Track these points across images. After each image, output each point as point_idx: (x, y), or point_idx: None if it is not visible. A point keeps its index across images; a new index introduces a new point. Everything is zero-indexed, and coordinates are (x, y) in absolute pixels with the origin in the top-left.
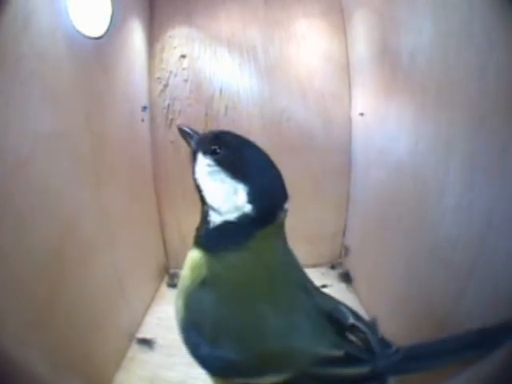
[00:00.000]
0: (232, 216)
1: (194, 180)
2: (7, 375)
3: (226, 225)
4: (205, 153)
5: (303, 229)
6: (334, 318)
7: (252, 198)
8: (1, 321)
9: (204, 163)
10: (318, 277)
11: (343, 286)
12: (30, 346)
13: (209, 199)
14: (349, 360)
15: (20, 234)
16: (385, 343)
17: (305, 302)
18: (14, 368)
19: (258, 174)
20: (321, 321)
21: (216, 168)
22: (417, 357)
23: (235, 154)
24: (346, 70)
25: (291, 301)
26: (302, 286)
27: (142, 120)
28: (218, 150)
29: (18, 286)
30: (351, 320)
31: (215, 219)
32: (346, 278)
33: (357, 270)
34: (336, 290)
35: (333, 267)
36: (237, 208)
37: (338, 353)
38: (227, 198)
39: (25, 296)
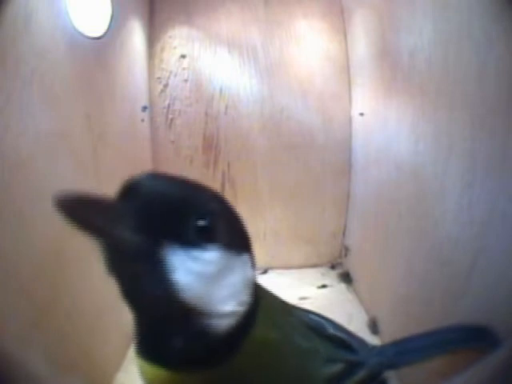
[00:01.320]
0: (251, 301)
1: (174, 296)
2: (7, 375)
3: (247, 315)
4: (187, 242)
5: (303, 229)
6: (315, 330)
7: (252, 260)
8: (1, 321)
9: (195, 260)
10: (317, 277)
11: (343, 286)
12: (31, 346)
13: (215, 306)
14: (347, 369)
15: (20, 233)
16: (363, 343)
17: (297, 324)
18: (14, 368)
19: (243, 227)
20: (313, 337)
21: (223, 254)
22: (400, 352)
23: (226, 214)
24: (345, 70)
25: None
26: (286, 309)
27: (142, 120)
28: (206, 224)
29: (19, 286)
30: (331, 330)
31: (222, 324)
32: (346, 278)
33: (357, 270)
34: (336, 290)
35: (333, 267)
36: (251, 287)
37: (339, 367)
38: (243, 286)
39: (25, 296)
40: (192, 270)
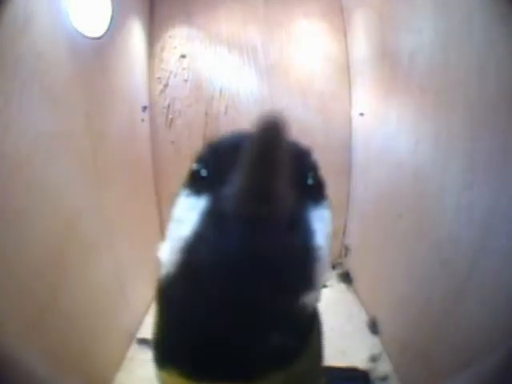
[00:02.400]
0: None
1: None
2: (8, 375)
3: None
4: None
5: None
6: None
7: None
8: (2, 321)
9: (322, 220)
10: None
11: (343, 286)
12: (31, 346)
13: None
14: None
15: (20, 233)
16: None
17: None
18: (14, 368)
19: None
20: None
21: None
22: None
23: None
24: (345, 70)
25: None
26: None
27: (142, 120)
28: (316, 180)
29: (19, 286)
30: None
31: (313, 301)
32: (346, 278)
33: (357, 270)
34: (336, 290)
35: (333, 267)
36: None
37: None
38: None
39: (26, 296)
40: (324, 233)
